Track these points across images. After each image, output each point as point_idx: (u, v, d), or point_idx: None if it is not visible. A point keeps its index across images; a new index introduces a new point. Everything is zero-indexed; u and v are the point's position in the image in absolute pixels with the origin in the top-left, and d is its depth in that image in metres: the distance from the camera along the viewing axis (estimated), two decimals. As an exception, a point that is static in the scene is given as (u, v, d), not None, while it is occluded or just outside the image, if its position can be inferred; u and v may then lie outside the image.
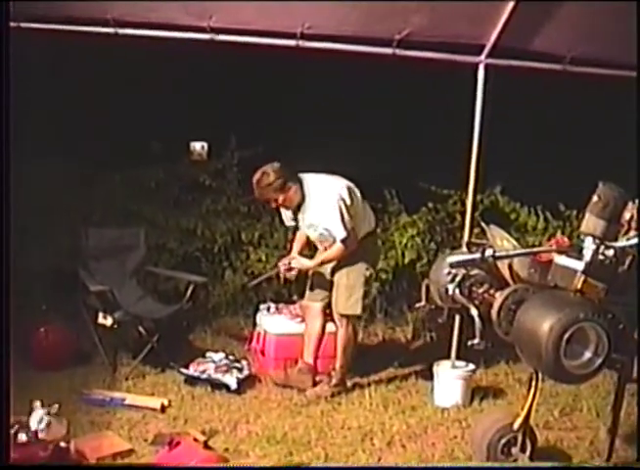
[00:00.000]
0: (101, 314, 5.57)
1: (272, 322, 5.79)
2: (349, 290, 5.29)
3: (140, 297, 6.04)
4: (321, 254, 5.35)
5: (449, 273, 4.04)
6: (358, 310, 5.31)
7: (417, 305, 4.29)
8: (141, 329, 5.80)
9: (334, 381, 5.37)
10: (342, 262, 5.29)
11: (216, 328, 6.69)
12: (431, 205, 7.22)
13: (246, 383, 5.47)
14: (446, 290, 4.03)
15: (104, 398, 5.09)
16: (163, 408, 5.01)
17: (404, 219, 7.25)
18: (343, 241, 5.14)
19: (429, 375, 5.44)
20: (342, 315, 5.34)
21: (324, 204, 5.16)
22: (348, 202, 5.14)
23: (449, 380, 5.26)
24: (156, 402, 5.05)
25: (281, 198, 5.22)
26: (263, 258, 7.01)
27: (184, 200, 7.42)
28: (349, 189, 5.24)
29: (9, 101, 3.28)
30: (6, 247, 3.19)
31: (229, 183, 7.41)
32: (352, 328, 5.37)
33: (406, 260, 7.05)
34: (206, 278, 6.27)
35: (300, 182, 5.21)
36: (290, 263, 5.35)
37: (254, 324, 6.11)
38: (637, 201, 3.71)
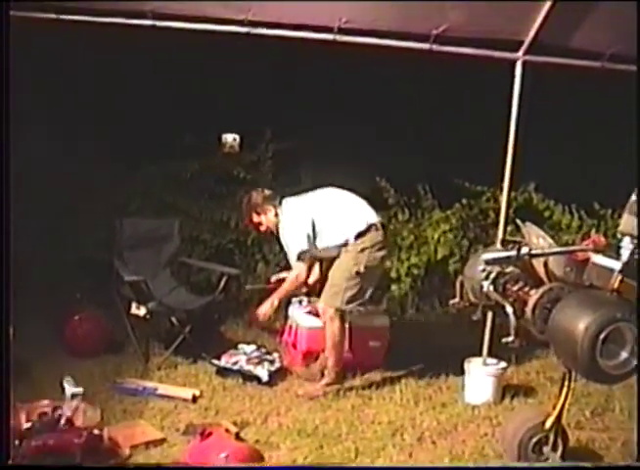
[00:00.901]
0: (134, 304, 5.61)
1: (304, 316, 5.78)
2: (332, 281, 5.31)
3: (173, 287, 6.07)
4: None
5: (484, 270, 4.01)
6: (337, 303, 5.26)
7: (451, 301, 4.26)
8: (173, 320, 5.84)
9: (326, 379, 5.35)
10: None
11: (248, 320, 6.71)
12: (464, 201, 7.22)
13: (277, 375, 5.49)
14: (481, 287, 3.99)
15: (136, 387, 5.12)
16: (195, 399, 5.04)
17: (437, 215, 7.25)
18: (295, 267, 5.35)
19: (460, 372, 5.41)
20: (324, 307, 5.34)
21: (286, 227, 5.39)
22: (308, 226, 5.28)
23: (480, 377, 5.23)
24: (187, 393, 5.08)
25: (263, 220, 5.57)
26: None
27: (218, 192, 7.46)
28: (318, 211, 5.36)
29: (8, 94, 3.28)
30: (6, 245, 3.18)
31: (263, 175, 7.44)
32: (338, 322, 5.31)
33: (439, 256, 7.04)
34: (239, 270, 6.28)
35: (281, 205, 5.51)
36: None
37: (286, 317, 6.11)
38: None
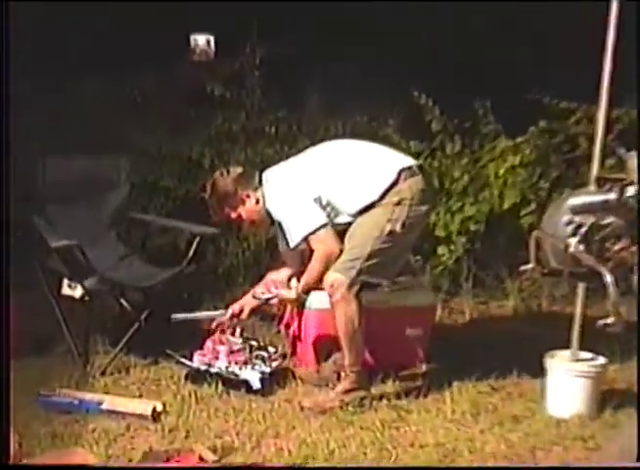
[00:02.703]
0: (66, 282, 5.62)
1: (312, 293, 5.74)
2: (352, 242, 5.26)
3: (122, 256, 6.08)
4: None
5: (570, 222, 3.99)
6: (352, 272, 5.18)
7: (523, 267, 4.22)
8: (124, 302, 5.82)
9: (343, 385, 5.32)
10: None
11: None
12: (543, 124, 7.16)
13: (274, 379, 5.50)
14: (566, 246, 3.96)
15: (71, 400, 5.10)
16: (156, 415, 5.03)
17: (503, 145, 7.22)
18: (312, 241, 5.31)
19: (539, 371, 5.38)
20: (334, 280, 5.25)
21: (280, 209, 5.41)
22: (314, 196, 5.29)
23: (568, 379, 5.20)
24: (145, 407, 5.06)
25: (242, 213, 5.54)
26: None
27: (184, 117, 7.42)
28: (323, 178, 5.37)
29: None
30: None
31: (249, 93, 7.43)
32: (354, 302, 5.24)
33: (505, 205, 7.04)
34: (217, 229, 6.24)
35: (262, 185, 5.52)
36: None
37: (286, 296, 6.11)
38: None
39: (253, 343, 5.72)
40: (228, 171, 5.60)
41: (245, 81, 7.45)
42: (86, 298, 5.57)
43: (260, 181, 5.51)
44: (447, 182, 7.13)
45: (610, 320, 3.72)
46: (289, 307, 5.92)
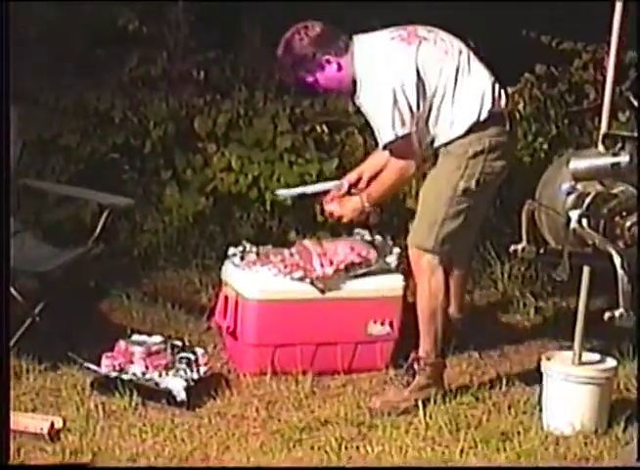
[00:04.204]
0: None
1: (250, 279, 5.81)
2: (423, 207, 5.47)
3: (11, 233, 6.03)
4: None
5: (572, 191, 4.03)
6: (429, 242, 5.36)
7: (513, 247, 4.26)
8: (13, 291, 5.80)
9: (418, 380, 5.42)
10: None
11: (150, 290, 6.70)
12: (539, 69, 7.18)
13: (203, 389, 5.51)
14: (567, 221, 4.00)
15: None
16: (55, 434, 5.02)
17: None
18: (392, 148, 5.35)
19: (532, 377, 5.47)
20: (414, 250, 5.47)
21: (374, 84, 5.40)
22: (412, 84, 5.32)
23: (569, 386, 5.23)
24: (41, 423, 5.04)
25: (320, 78, 5.61)
26: (234, 163, 6.98)
27: (89, 59, 7.38)
28: (421, 63, 5.42)
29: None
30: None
31: (171, 28, 7.40)
32: (439, 274, 5.42)
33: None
34: (132, 200, 6.25)
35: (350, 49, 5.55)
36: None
37: (219, 283, 6.10)
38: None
39: (177, 342, 5.72)
40: (307, 31, 5.55)
41: (166, 13, 7.41)
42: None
43: (347, 46, 5.53)
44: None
45: (618, 312, 3.76)
46: (221, 298, 5.95)
